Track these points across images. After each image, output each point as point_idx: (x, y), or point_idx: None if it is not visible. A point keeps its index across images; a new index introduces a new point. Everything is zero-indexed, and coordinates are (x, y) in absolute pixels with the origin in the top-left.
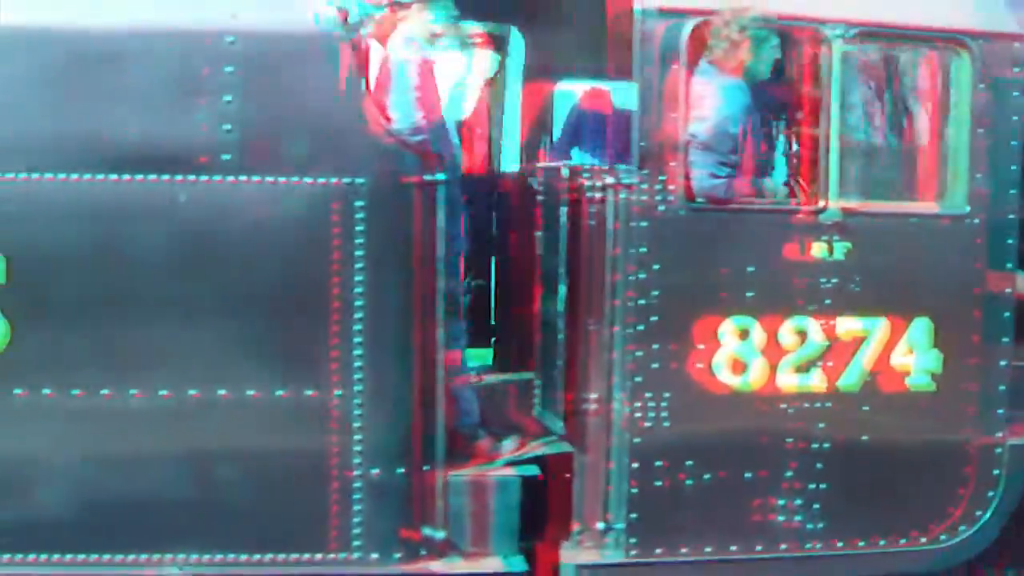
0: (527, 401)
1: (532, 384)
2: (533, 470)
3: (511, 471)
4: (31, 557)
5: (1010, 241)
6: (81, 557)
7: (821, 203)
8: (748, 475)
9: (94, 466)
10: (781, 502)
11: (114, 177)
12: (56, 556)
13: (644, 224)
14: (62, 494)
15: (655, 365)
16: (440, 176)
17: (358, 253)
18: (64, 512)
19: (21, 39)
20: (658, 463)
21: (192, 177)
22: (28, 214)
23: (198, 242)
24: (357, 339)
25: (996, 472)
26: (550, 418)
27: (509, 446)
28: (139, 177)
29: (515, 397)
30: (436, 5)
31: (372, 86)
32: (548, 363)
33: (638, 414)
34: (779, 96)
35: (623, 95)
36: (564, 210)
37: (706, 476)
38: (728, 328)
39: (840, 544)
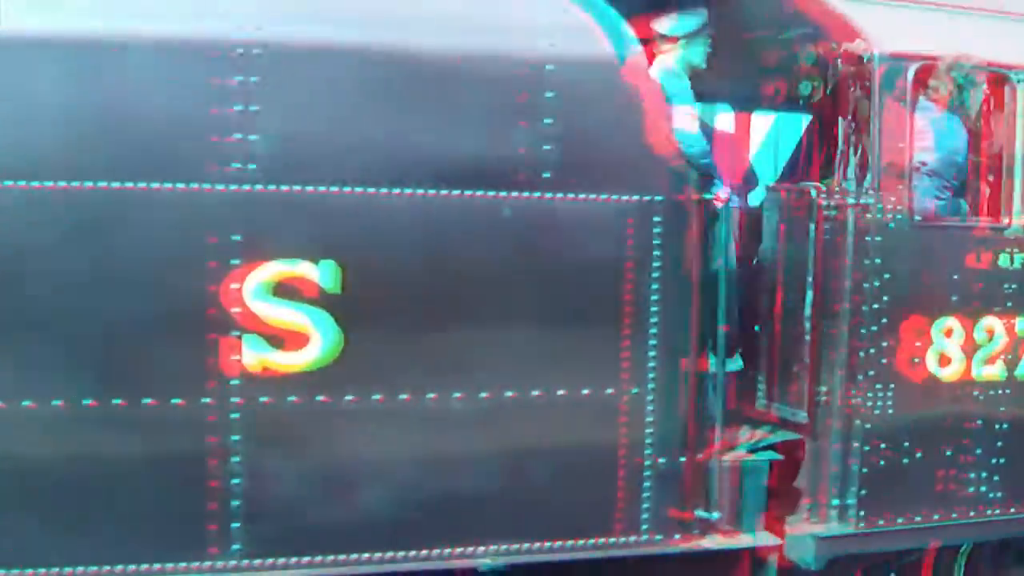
0: (743, 393)
1: (749, 377)
2: (773, 455)
3: (755, 456)
4: (357, 556)
5: None
6: (401, 554)
7: (1005, 221)
8: (948, 452)
9: (417, 466)
10: (971, 475)
11: (445, 192)
12: (379, 554)
13: (878, 239)
14: (387, 493)
15: (883, 360)
16: (724, 195)
17: (655, 264)
18: (389, 510)
19: (363, 59)
20: (883, 445)
21: (515, 193)
22: (362, 227)
23: (517, 254)
24: (652, 341)
25: None
26: (784, 409)
27: (750, 434)
28: (468, 193)
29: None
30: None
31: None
32: (784, 360)
33: (869, 403)
34: (971, 129)
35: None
36: (812, 226)
37: (918, 455)
38: (938, 327)
39: (1013, 509)
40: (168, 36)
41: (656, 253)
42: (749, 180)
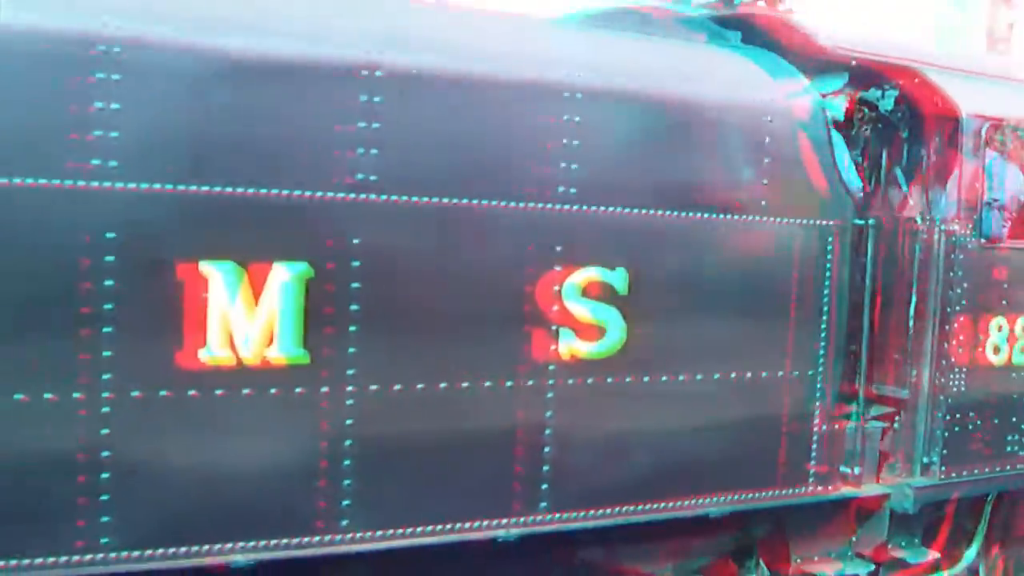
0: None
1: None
2: (880, 424)
3: (870, 425)
4: (632, 507)
5: None
6: (659, 505)
7: None
8: (996, 420)
9: (670, 433)
10: (1011, 436)
11: (688, 215)
12: (642, 506)
13: (960, 256)
14: (648, 455)
15: (960, 350)
16: (871, 221)
17: (829, 273)
18: (647, 469)
19: (649, 108)
20: (958, 415)
21: (739, 217)
22: (644, 241)
23: (743, 265)
24: (823, 330)
25: None
26: (884, 387)
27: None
28: (705, 215)
29: None
30: None
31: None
32: (885, 349)
33: (949, 383)
34: None
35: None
36: (917, 246)
37: (980, 422)
38: (994, 324)
39: None
40: (516, 80)
41: (829, 265)
42: None
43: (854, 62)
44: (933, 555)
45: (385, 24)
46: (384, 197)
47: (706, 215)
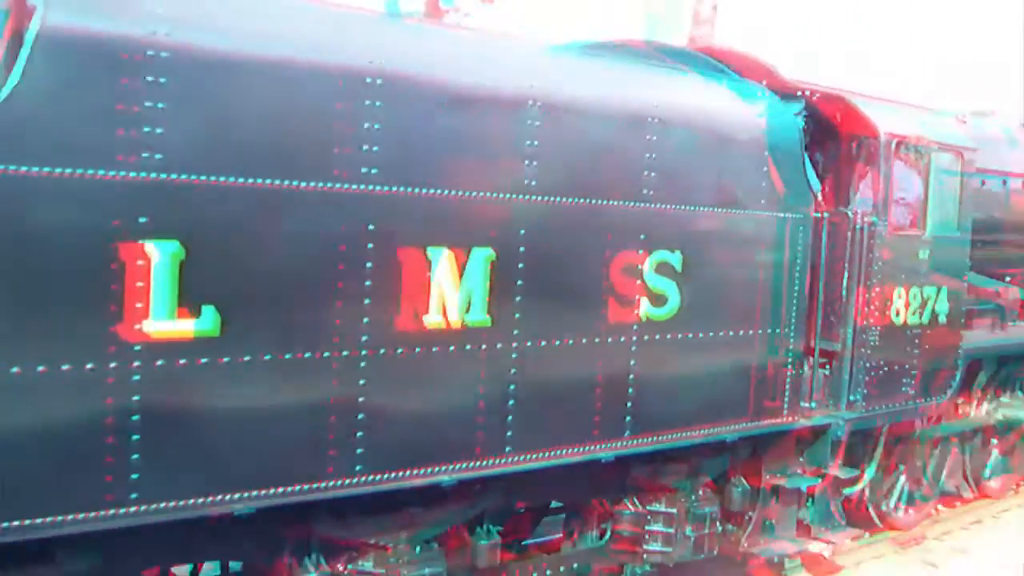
0: None
1: None
2: (823, 371)
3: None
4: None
5: None
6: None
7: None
8: (896, 367)
9: (707, 375)
10: (905, 379)
11: (723, 211)
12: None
13: (876, 241)
14: (690, 394)
15: (877, 313)
16: (826, 215)
17: (800, 252)
18: (689, 405)
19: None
20: (873, 363)
21: (747, 212)
22: (694, 230)
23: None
24: (795, 299)
25: None
26: (827, 343)
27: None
28: (731, 211)
29: None
30: None
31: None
32: (826, 313)
33: (868, 339)
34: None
35: None
36: (849, 234)
37: (887, 369)
38: (896, 293)
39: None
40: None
41: (802, 248)
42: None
43: (807, 92)
44: (857, 472)
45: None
46: (540, 199)
47: (731, 210)
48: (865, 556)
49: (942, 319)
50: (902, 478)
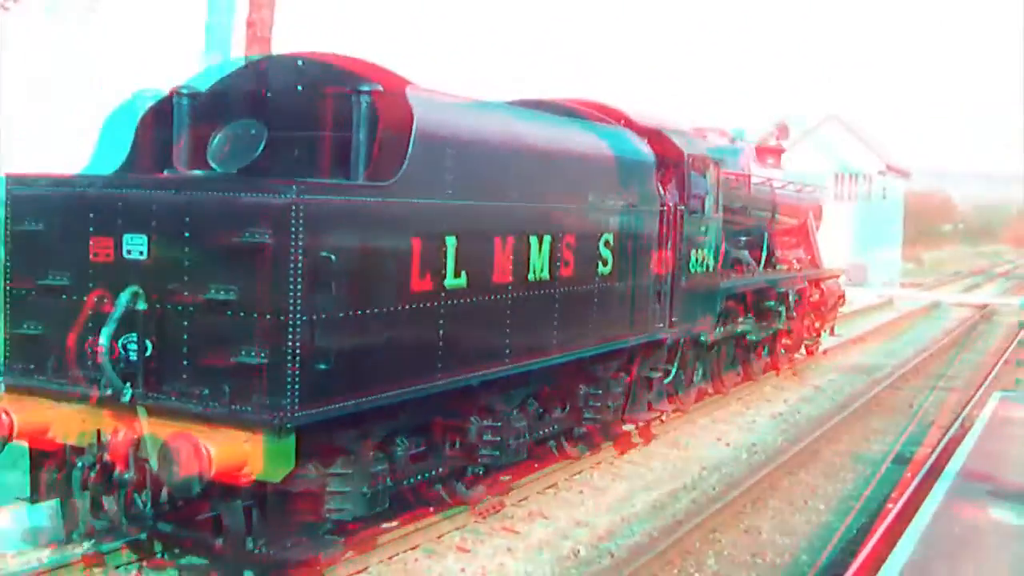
0: None
1: None
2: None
3: None
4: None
5: None
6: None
7: (702, 214)
8: (691, 299)
9: (622, 308)
10: (701, 312)
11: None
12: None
13: (691, 222)
14: (609, 319)
15: (688, 267)
16: (663, 208)
17: (657, 232)
18: (609, 327)
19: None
20: (678, 296)
21: (635, 207)
22: (616, 220)
23: (637, 231)
24: (659, 258)
25: None
26: (663, 286)
27: None
28: (631, 208)
29: None
30: None
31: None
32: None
33: (683, 282)
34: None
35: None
36: (673, 218)
37: (689, 301)
38: (694, 253)
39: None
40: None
41: (658, 229)
42: None
43: (645, 129)
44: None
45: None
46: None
47: (629, 207)
48: (448, 527)
49: (712, 269)
50: (700, 370)
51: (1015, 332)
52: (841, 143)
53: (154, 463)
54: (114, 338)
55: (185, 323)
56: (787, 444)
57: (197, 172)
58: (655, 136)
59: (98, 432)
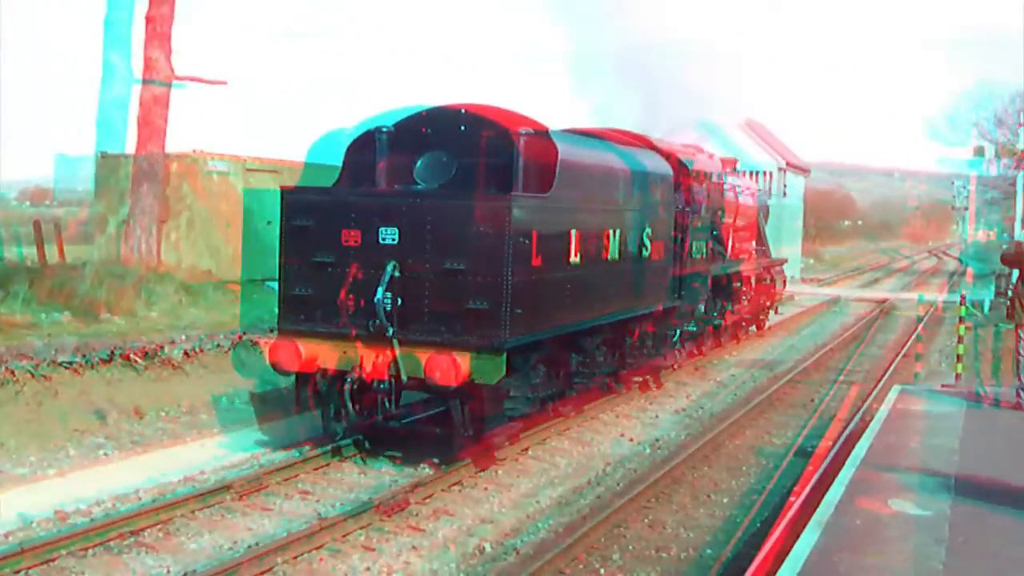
0: None
1: None
2: None
3: None
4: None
5: None
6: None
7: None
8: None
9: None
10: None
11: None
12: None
13: (690, 222)
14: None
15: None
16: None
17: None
18: None
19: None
20: (685, 279)
21: (662, 209)
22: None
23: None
24: (672, 250)
25: None
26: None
27: None
28: (658, 210)
29: None
30: None
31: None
32: None
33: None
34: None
35: None
36: (682, 219)
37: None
38: (693, 243)
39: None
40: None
41: (673, 226)
42: None
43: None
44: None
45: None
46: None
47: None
48: (353, 527)
49: (705, 256)
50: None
51: (913, 327)
52: (742, 140)
53: (404, 376)
54: (385, 297)
55: (426, 285)
56: (690, 439)
57: (419, 186)
58: (669, 155)
59: (361, 358)
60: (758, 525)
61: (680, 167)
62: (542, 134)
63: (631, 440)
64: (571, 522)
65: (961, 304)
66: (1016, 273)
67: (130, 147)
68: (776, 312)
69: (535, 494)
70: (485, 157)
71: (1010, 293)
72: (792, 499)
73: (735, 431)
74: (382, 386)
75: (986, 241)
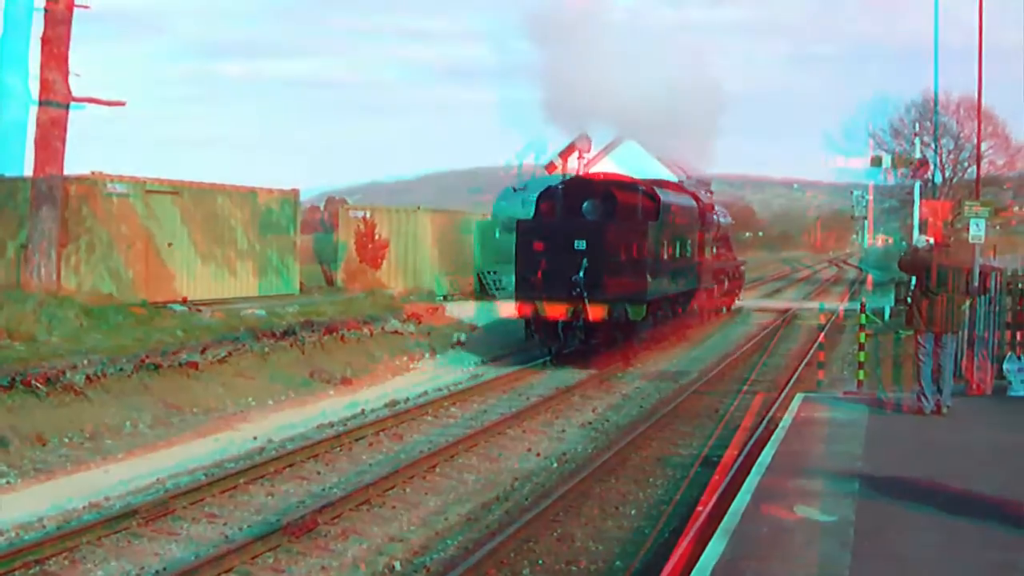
0: None
1: None
2: None
3: None
4: None
5: None
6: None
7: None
8: (622, 271)
9: None
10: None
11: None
12: None
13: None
14: None
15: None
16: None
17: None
18: None
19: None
20: (708, 278)
21: (701, 230)
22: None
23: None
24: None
25: None
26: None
27: None
28: (703, 230)
29: None
30: None
31: None
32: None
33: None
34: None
35: None
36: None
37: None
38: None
39: None
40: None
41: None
42: None
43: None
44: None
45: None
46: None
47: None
48: (261, 548)
49: (709, 258)
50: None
51: (816, 335)
52: (639, 157)
53: (592, 319)
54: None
55: (602, 268)
56: (597, 452)
57: (592, 217)
58: (693, 195)
59: (574, 311)
60: (667, 536)
61: (699, 202)
62: (650, 188)
63: (538, 455)
64: (480, 538)
65: (861, 312)
66: (914, 280)
67: (28, 170)
68: (738, 298)
69: (443, 511)
70: (618, 203)
71: (909, 299)
72: (699, 509)
73: (642, 443)
74: (577, 325)
75: (884, 248)
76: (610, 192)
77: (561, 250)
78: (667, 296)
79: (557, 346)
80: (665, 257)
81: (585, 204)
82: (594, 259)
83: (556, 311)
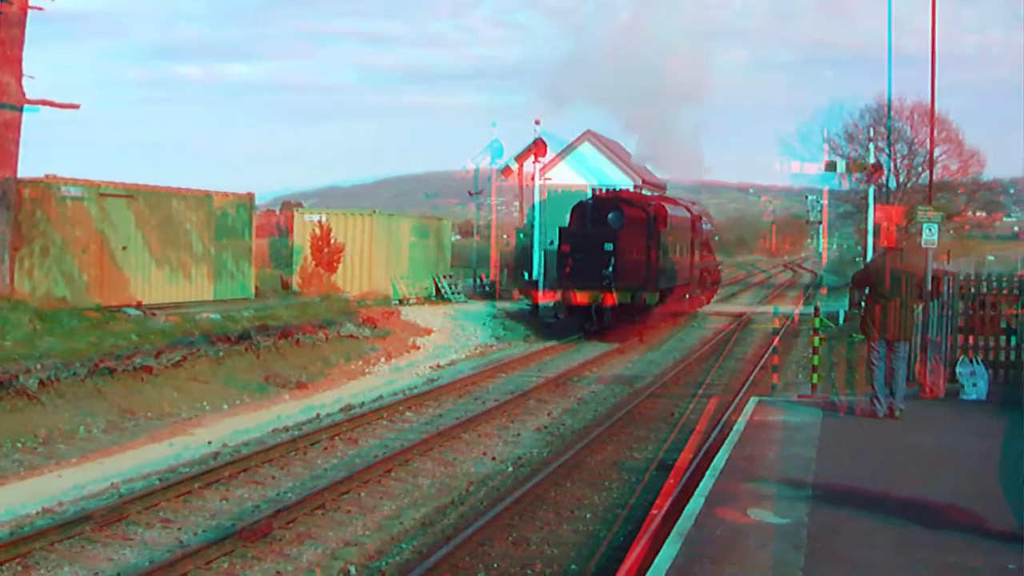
0: None
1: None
2: None
3: None
4: None
5: None
6: None
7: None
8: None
9: None
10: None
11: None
12: None
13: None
14: None
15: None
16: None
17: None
18: None
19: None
20: (696, 280)
21: (699, 239)
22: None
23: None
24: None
25: None
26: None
27: None
28: (695, 236)
29: None
30: None
31: None
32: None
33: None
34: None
35: None
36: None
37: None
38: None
39: None
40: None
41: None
42: None
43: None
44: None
45: None
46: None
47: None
48: (216, 553)
49: (699, 259)
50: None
51: (770, 339)
52: (597, 160)
53: (618, 303)
54: (610, 271)
55: (625, 264)
56: (553, 456)
57: (616, 226)
58: (687, 207)
59: (601, 296)
60: (621, 539)
61: (691, 213)
62: (659, 202)
63: (493, 459)
64: (435, 542)
65: (816, 316)
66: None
67: None
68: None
69: (399, 515)
70: (633, 213)
71: (863, 304)
72: (653, 512)
73: (597, 447)
74: (604, 310)
75: (839, 255)
76: (629, 206)
77: (594, 250)
78: (670, 287)
79: (589, 324)
80: (670, 257)
81: (610, 215)
82: (619, 257)
83: (584, 298)
